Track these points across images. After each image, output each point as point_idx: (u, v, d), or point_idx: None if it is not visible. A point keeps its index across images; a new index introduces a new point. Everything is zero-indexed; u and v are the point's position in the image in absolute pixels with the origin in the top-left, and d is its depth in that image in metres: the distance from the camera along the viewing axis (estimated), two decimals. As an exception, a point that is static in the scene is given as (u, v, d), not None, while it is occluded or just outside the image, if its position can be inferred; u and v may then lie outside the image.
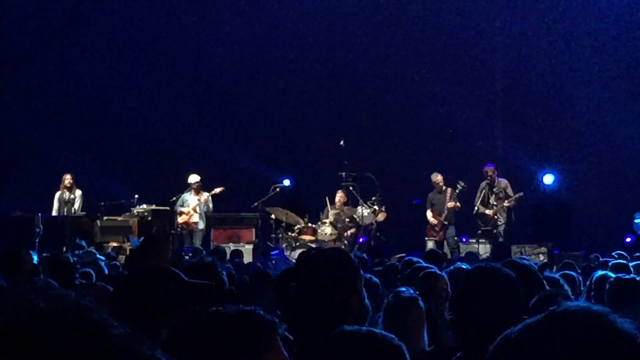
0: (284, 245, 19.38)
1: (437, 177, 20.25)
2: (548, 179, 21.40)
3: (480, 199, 19.76)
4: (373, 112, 23.48)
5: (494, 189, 19.77)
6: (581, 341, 2.80)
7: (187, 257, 14.03)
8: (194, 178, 20.25)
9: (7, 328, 1.38)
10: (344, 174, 20.44)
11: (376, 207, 19.80)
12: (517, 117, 22.86)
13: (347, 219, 19.91)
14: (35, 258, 9.45)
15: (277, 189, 20.83)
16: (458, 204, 19.85)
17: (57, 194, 19.98)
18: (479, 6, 22.73)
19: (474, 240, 19.95)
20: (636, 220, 20.47)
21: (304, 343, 3.32)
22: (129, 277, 3.92)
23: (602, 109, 21.91)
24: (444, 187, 20.11)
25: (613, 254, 13.71)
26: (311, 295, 4.18)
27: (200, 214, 20.16)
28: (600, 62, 22.17)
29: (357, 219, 19.84)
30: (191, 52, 23.71)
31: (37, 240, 17.59)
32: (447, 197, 19.91)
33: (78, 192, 19.96)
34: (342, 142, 20.80)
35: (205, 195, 20.18)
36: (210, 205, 20.24)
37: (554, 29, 22.58)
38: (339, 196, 20.13)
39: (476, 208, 19.70)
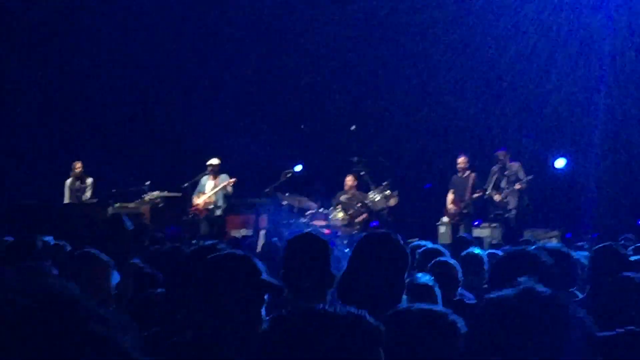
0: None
1: (459, 159, 20.04)
2: (560, 162, 21.32)
3: (492, 183, 19.65)
4: (384, 96, 23.44)
5: (506, 173, 19.67)
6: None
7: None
8: (212, 161, 20.14)
9: None
10: (355, 158, 20.41)
11: (388, 192, 19.74)
12: (528, 100, 22.78)
13: (358, 204, 19.87)
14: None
15: (289, 175, 20.79)
16: (480, 194, 19.68)
17: (68, 182, 19.94)
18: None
19: (486, 225, 19.91)
20: None
21: None
22: (209, 263, 4.00)
23: (615, 91, 21.81)
24: (467, 172, 19.94)
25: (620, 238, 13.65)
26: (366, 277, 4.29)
27: (217, 199, 20.06)
28: (610, 45, 22.05)
29: (369, 204, 19.81)
30: (200, 36, 23.68)
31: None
32: (470, 185, 19.75)
33: (89, 180, 19.88)
34: (353, 127, 20.78)
35: (222, 180, 20.04)
36: (230, 189, 20.12)
37: (566, 13, 22.48)
38: (349, 180, 20.08)
39: (487, 192, 19.60)
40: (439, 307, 3.46)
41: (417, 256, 8.17)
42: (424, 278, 6.03)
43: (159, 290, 6.63)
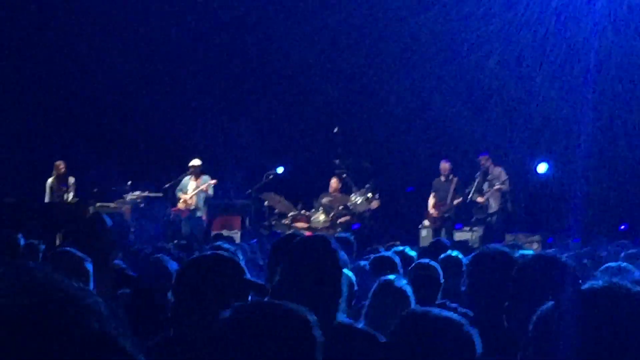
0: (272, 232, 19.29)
1: (444, 165, 20.14)
2: (542, 167, 21.35)
3: (474, 187, 19.71)
4: (367, 99, 23.42)
5: (488, 177, 19.72)
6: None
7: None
8: (194, 162, 20.09)
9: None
10: (337, 161, 20.41)
11: (370, 195, 19.75)
12: (511, 105, 22.79)
13: (340, 207, 19.87)
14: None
15: (271, 176, 20.77)
16: (460, 200, 19.76)
17: (49, 181, 19.83)
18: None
19: (467, 228, 19.93)
20: None
21: None
22: (193, 263, 4.00)
23: (597, 97, 21.84)
24: (450, 176, 20.04)
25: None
26: (297, 282, 4.21)
27: (198, 201, 20.01)
28: (595, 50, 22.07)
29: (351, 207, 19.80)
30: (183, 38, 23.61)
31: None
32: (452, 188, 19.80)
33: (71, 180, 19.79)
34: (336, 129, 20.77)
35: (203, 181, 19.98)
36: (210, 192, 20.08)
37: (546, 19, 22.51)
38: (334, 183, 20.08)
39: (470, 196, 19.65)
40: (456, 316, 3.44)
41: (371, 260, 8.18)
42: (401, 282, 5.97)
43: (127, 290, 6.60)
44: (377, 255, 8.24)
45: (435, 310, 3.43)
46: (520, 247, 10.85)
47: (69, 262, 5.24)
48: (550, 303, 2.64)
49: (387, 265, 7.59)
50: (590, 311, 2.49)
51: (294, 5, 23.19)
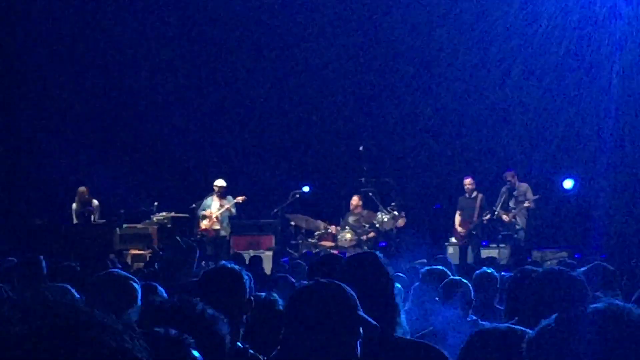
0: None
1: (466, 180, 20.02)
2: (568, 183, 21.29)
3: (500, 203, 19.67)
4: (392, 117, 23.42)
5: (514, 193, 19.68)
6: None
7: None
8: (218, 182, 20.02)
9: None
10: (363, 179, 20.41)
11: (396, 213, 19.73)
12: (536, 122, 22.75)
13: (366, 225, 19.85)
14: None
15: (297, 195, 20.77)
16: (488, 216, 19.65)
17: (74, 206, 19.91)
18: (497, 9, 22.63)
19: (494, 245, 19.87)
20: None
21: None
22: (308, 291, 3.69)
23: (623, 112, 21.77)
24: (475, 193, 19.90)
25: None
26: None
27: (222, 220, 19.96)
28: (619, 65, 22.02)
29: (377, 225, 19.78)
30: (208, 58, 23.71)
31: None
32: (478, 206, 19.70)
33: (95, 203, 19.84)
34: (361, 148, 20.78)
35: (227, 201, 19.95)
36: (234, 210, 20.02)
37: (569, 31, 22.47)
38: (354, 201, 20.02)
39: (496, 213, 19.60)
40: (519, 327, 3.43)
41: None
42: None
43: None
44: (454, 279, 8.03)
45: (501, 326, 3.44)
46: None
47: (115, 284, 5.24)
48: (546, 322, 2.59)
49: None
50: (589, 333, 2.46)
51: (320, 25, 23.24)
